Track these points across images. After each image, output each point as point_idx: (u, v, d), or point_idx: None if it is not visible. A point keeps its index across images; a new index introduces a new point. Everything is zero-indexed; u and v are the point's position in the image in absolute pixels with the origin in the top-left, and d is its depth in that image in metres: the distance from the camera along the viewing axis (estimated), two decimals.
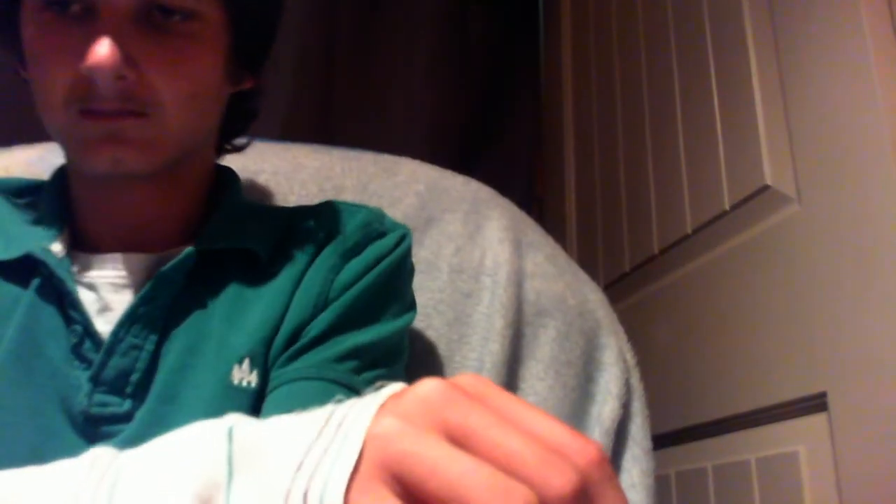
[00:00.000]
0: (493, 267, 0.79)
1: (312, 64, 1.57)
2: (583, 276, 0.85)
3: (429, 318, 0.77)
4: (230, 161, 0.70)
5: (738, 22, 1.05)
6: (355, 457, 0.26)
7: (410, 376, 0.42)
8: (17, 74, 0.58)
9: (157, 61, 0.52)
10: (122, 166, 0.53)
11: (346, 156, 0.85)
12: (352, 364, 0.57)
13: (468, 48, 1.72)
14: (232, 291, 0.58)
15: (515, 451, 0.25)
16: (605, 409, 0.77)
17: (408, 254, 0.64)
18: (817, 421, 0.87)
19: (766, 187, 0.97)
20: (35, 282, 0.55)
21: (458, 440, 0.26)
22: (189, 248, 0.56)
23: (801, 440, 0.90)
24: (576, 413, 0.76)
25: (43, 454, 0.34)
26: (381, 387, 0.29)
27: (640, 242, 1.29)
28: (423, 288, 0.77)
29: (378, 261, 0.61)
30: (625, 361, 0.81)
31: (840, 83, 0.87)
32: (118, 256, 0.57)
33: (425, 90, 1.65)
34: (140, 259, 0.57)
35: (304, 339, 0.57)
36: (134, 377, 0.53)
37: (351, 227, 0.62)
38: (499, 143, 1.72)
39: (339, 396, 0.30)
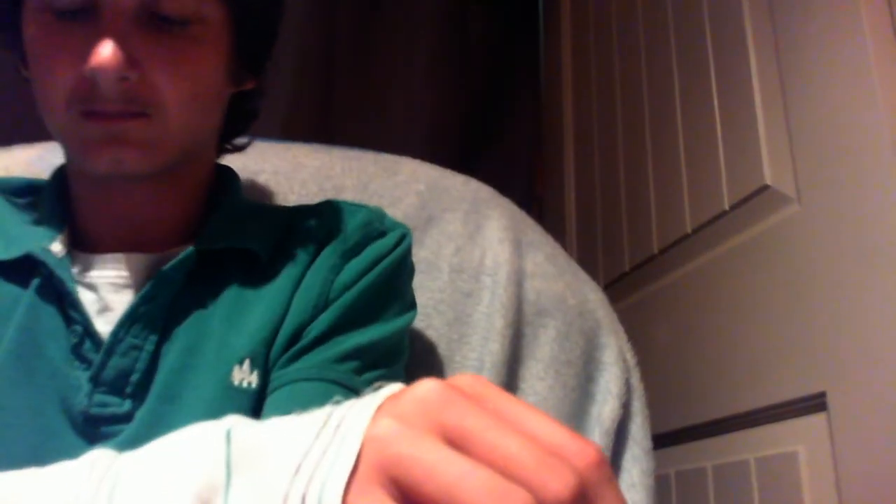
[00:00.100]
0: (494, 266, 0.79)
1: (312, 64, 1.57)
2: (583, 276, 0.85)
3: (429, 317, 0.76)
4: (230, 161, 0.70)
5: (738, 22, 1.05)
6: (353, 459, 0.26)
7: (410, 376, 0.42)
8: (18, 74, 0.58)
9: (159, 62, 0.52)
10: (124, 167, 0.53)
11: (347, 155, 0.85)
12: (353, 364, 0.56)
13: (468, 48, 1.72)
14: (232, 291, 0.58)
15: (513, 453, 0.25)
16: (605, 408, 0.77)
17: (408, 253, 0.64)
18: (817, 421, 0.87)
19: (766, 187, 0.97)
20: (35, 282, 0.55)
21: (456, 442, 0.26)
22: (189, 248, 0.56)
23: (800, 440, 0.90)
24: (576, 413, 0.76)
25: (43, 454, 0.34)
26: (380, 387, 0.29)
27: (640, 242, 1.29)
28: (424, 288, 0.77)
29: (378, 260, 0.61)
30: (625, 361, 0.81)
31: (840, 83, 0.87)
32: (118, 256, 0.57)
33: (425, 90, 1.65)
34: (140, 259, 0.57)
35: (305, 339, 0.57)
36: (134, 377, 0.53)
37: (351, 227, 0.62)
38: (499, 143, 1.72)
39: (337, 397, 0.30)
